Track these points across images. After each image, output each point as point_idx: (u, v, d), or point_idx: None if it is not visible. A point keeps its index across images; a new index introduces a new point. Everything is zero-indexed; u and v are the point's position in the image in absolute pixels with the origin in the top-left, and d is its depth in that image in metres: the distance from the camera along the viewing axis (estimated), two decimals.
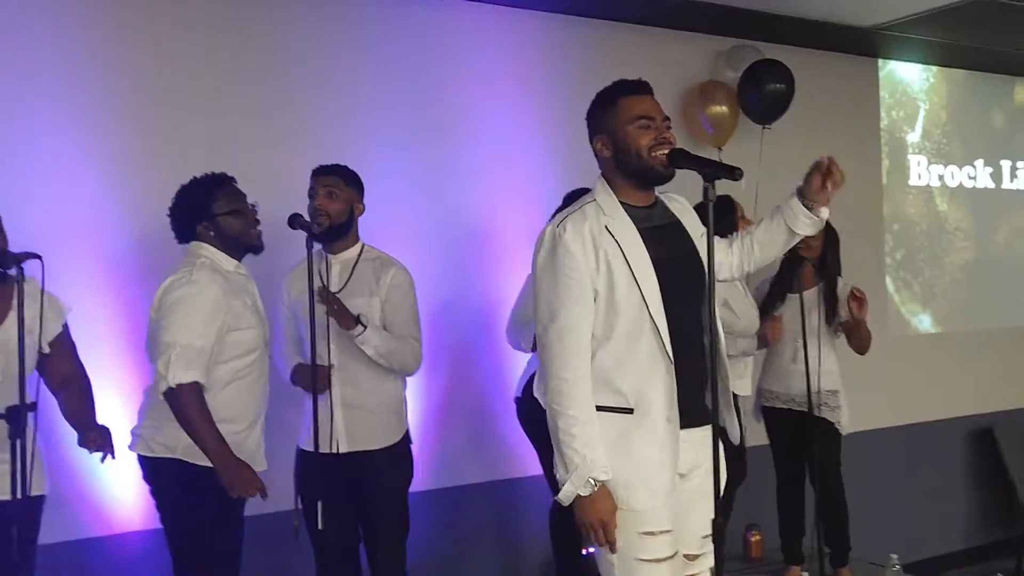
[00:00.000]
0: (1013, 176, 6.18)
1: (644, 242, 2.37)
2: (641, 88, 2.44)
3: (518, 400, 3.89)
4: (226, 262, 3.02)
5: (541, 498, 3.99)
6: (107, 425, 2.89)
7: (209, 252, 3.01)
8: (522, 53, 4.43)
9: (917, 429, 5.58)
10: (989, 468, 5.83)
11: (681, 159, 2.38)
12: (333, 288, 3.22)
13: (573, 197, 3.67)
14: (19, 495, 2.55)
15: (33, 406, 2.66)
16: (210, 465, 2.86)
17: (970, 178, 5.98)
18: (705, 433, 2.37)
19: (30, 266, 2.58)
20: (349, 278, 3.24)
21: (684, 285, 2.39)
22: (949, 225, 5.90)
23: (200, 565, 2.95)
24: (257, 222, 3.09)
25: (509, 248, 4.29)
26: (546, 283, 2.36)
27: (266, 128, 3.81)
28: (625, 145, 2.39)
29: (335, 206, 3.21)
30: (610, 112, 2.42)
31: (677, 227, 2.49)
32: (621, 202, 2.42)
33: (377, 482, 3.23)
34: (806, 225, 2.50)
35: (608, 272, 2.33)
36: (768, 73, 4.63)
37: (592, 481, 2.28)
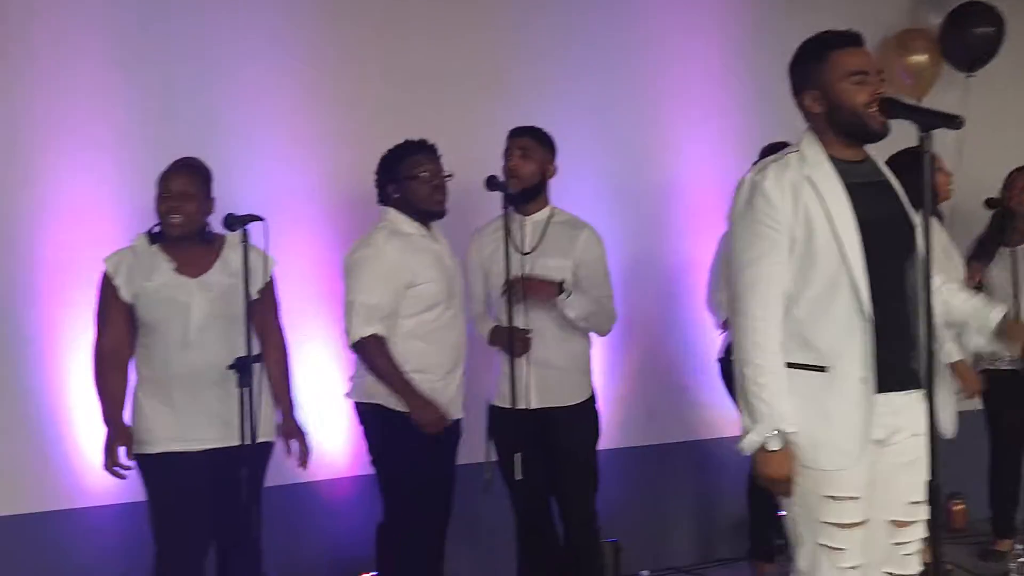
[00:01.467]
0: None
1: (849, 197, 2.28)
2: (854, 40, 2.34)
3: (721, 360, 3.87)
4: (407, 225, 3.16)
5: (738, 459, 3.96)
6: (305, 428, 3.11)
7: (392, 216, 3.17)
8: (713, 8, 4.36)
9: None
10: None
11: (895, 109, 2.27)
12: (524, 249, 3.30)
13: (770, 151, 3.60)
14: (248, 441, 2.78)
15: (258, 357, 2.89)
16: (408, 411, 3.03)
17: None
18: (910, 398, 2.29)
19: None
20: (541, 239, 3.32)
21: (889, 244, 2.30)
22: None
23: (412, 507, 3.11)
24: (442, 189, 3.18)
25: (701, 207, 4.25)
26: (742, 231, 2.33)
27: (460, 91, 3.93)
28: (839, 102, 2.30)
29: (528, 167, 3.29)
30: (820, 66, 2.32)
31: (886, 185, 2.40)
32: (829, 156, 2.33)
33: (565, 438, 3.32)
34: (979, 346, 2.52)
35: (807, 224, 2.25)
36: (975, 16, 4.36)
37: (777, 433, 2.24)
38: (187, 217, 2.92)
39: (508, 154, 3.31)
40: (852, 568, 2.28)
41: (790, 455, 2.27)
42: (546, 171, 3.34)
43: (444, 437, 3.17)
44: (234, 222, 2.83)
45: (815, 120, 2.36)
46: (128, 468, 2.92)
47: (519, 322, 3.22)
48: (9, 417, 3.40)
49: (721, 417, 4.23)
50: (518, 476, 3.08)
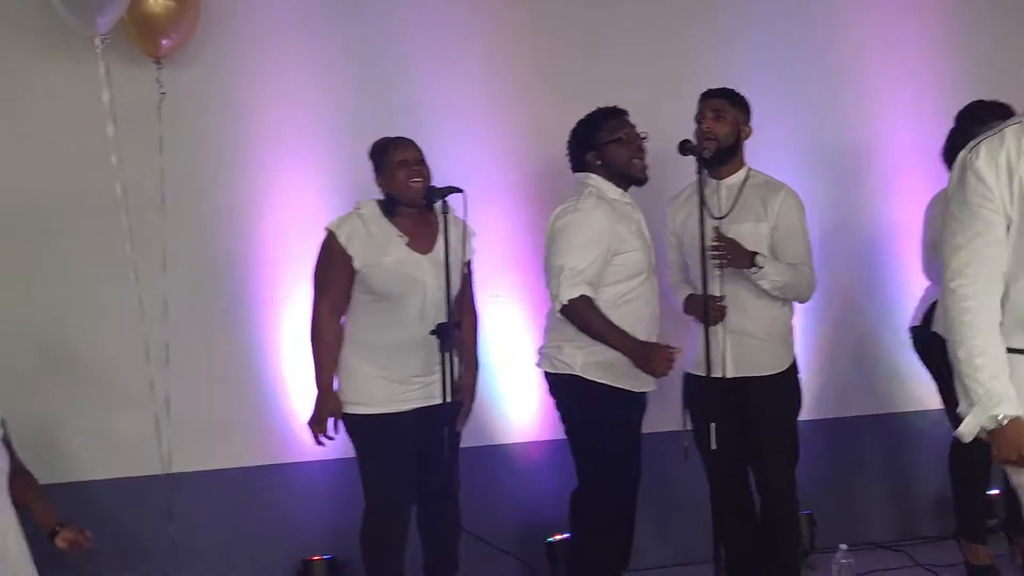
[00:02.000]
0: None
1: None
2: None
3: (914, 329, 3.69)
4: (611, 191, 3.15)
5: (937, 433, 3.79)
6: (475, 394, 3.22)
7: (596, 182, 3.16)
8: None
9: None
10: None
11: None
12: (718, 214, 3.24)
13: (971, 112, 3.38)
14: (448, 400, 2.89)
15: (459, 323, 2.99)
16: (605, 382, 3.06)
17: None
18: None
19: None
20: (735, 204, 3.25)
21: None
22: None
23: (599, 474, 3.15)
24: (643, 152, 3.18)
25: (904, 168, 4.06)
26: (955, 211, 2.22)
27: (646, 58, 3.90)
28: None
29: (722, 128, 3.22)
30: None
31: None
32: None
33: (764, 409, 3.25)
34: None
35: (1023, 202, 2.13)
36: None
37: (998, 417, 2.12)
38: (425, 183, 3.03)
39: (700, 116, 3.26)
40: None
41: (1020, 428, 2.14)
42: (740, 132, 3.27)
43: (633, 408, 3.18)
44: (435, 194, 2.93)
45: None
46: (332, 439, 3.09)
47: (715, 290, 3.17)
48: (232, 378, 3.68)
49: (920, 389, 4.04)
50: (713, 446, 3.05)
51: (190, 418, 3.58)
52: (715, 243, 3.11)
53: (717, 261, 3.12)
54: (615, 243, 3.07)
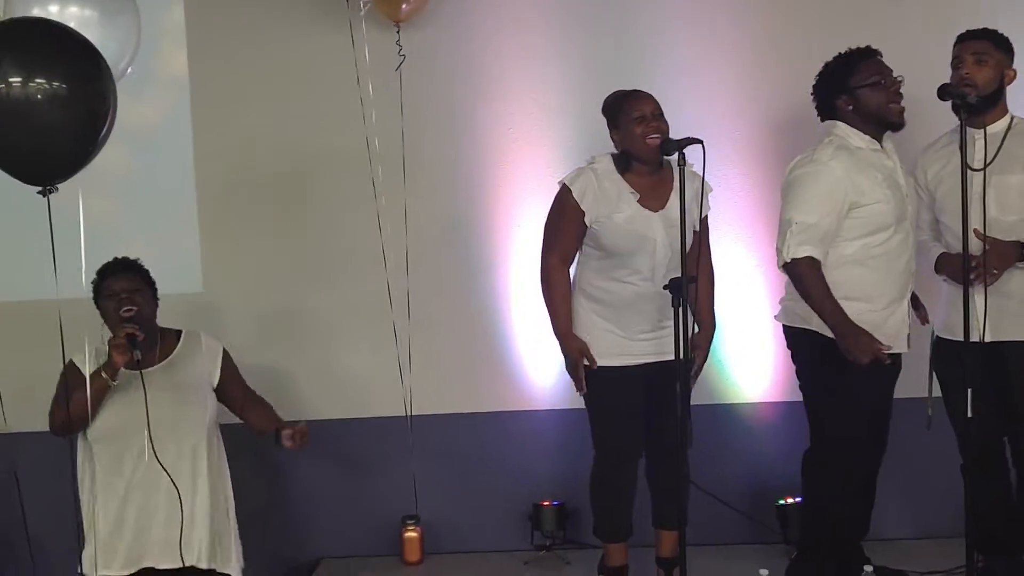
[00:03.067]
0: None
1: None
2: None
3: None
4: (858, 139, 2.98)
5: None
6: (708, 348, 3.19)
7: (841, 130, 3.00)
8: None
9: None
10: None
11: None
12: (977, 165, 2.99)
13: None
14: (681, 356, 2.87)
15: (693, 279, 2.95)
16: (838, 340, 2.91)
17: None
18: None
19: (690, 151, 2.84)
20: (996, 154, 2.98)
21: None
22: None
23: (838, 437, 3.03)
24: (900, 96, 2.99)
25: None
26: None
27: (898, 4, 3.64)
28: None
29: (984, 74, 2.98)
30: None
31: None
32: None
33: (1020, 376, 3.01)
34: None
35: None
36: None
37: None
38: (664, 136, 2.99)
39: (959, 61, 3.01)
40: None
41: None
42: (1004, 76, 3.01)
43: (882, 369, 3.02)
44: (671, 147, 2.88)
45: None
46: (583, 387, 3.11)
47: (973, 249, 2.94)
48: (469, 328, 3.84)
49: None
50: (969, 414, 2.84)
51: (429, 364, 3.76)
52: (976, 259, 2.87)
53: (981, 279, 2.90)
54: (854, 195, 2.91)
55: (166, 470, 2.93)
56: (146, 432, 2.89)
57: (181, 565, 2.99)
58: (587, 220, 3.06)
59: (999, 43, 3.01)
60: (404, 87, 3.66)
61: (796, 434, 3.25)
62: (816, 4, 3.71)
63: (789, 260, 2.93)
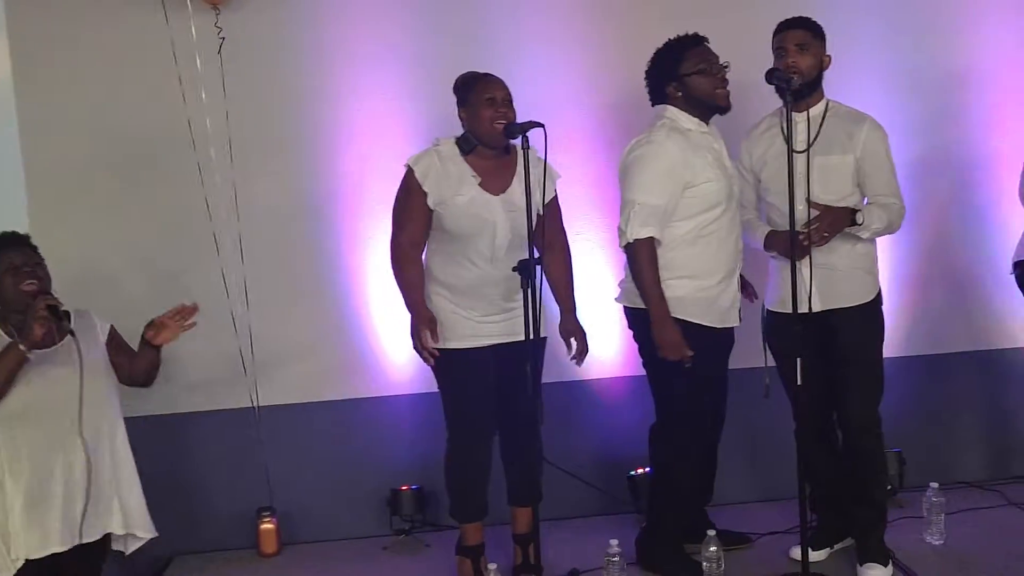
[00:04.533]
0: None
1: None
2: None
3: (1019, 264, 3.53)
4: (687, 121, 3.09)
5: None
6: (584, 327, 3.22)
7: (672, 113, 3.10)
8: None
9: None
10: None
11: None
12: (800, 147, 3.14)
13: None
14: (531, 336, 2.91)
15: (539, 260, 2.99)
16: (685, 318, 3.03)
17: None
18: None
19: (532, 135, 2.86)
20: (816, 136, 3.14)
21: None
22: None
23: (679, 411, 3.16)
24: (725, 82, 3.10)
25: (1003, 97, 3.89)
26: None
27: None
28: None
29: (806, 61, 3.10)
30: None
31: None
32: None
33: (848, 340, 3.19)
34: None
35: None
36: None
37: None
38: (510, 123, 3.00)
39: (783, 51, 3.12)
40: None
41: None
42: (823, 62, 3.16)
43: (718, 343, 3.16)
44: (515, 130, 2.90)
45: None
46: (436, 355, 3.10)
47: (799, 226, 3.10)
48: (321, 316, 3.77)
49: (1017, 326, 3.92)
50: (799, 381, 3.00)
51: (275, 353, 3.70)
52: (806, 225, 3.01)
53: (814, 239, 3.02)
54: (688, 175, 3.02)
55: (86, 445, 2.88)
56: (77, 407, 2.85)
57: (109, 533, 3.00)
58: (429, 202, 3.06)
59: (816, 32, 3.14)
60: (231, 69, 3.58)
61: (645, 407, 3.35)
62: None
63: (632, 240, 3.01)
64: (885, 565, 3.19)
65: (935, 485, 3.44)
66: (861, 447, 3.24)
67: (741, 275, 3.28)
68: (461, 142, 3.10)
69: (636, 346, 3.27)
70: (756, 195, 3.33)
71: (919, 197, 3.75)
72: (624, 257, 3.19)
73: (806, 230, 3.01)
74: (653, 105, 3.17)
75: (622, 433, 3.81)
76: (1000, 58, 3.89)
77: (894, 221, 3.15)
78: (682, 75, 3.07)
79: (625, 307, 3.23)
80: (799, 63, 3.09)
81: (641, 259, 3.01)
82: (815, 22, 3.15)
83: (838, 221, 3.05)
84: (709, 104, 3.09)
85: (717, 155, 3.12)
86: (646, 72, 3.17)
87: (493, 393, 3.18)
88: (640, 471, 3.72)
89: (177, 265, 3.70)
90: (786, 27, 3.14)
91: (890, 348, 3.37)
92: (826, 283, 3.16)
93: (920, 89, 3.87)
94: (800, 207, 3.07)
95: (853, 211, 3.06)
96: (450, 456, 3.26)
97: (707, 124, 3.13)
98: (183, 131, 3.57)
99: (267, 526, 3.69)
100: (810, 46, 3.10)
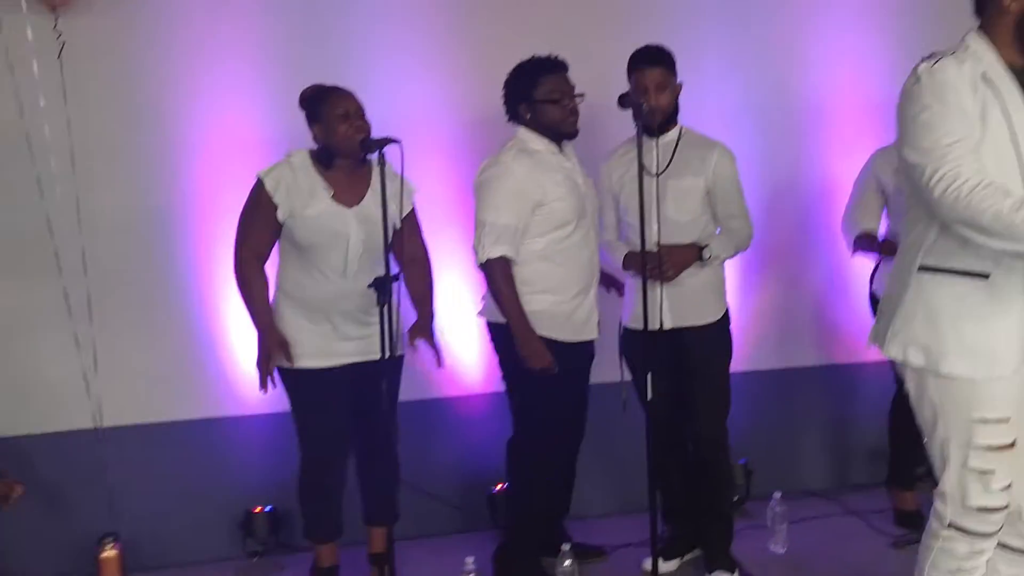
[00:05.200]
0: None
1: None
2: None
3: (873, 296, 3.72)
4: (537, 142, 3.14)
5: (872, 384, 3.88)
6: (439, 336, 3.19)
7: (523, 134, 3.15)
8: None
9: None
10: None
11: None
12: (656, 170, 3.24)
13: None
14: (387, 355, 2.88)
15: (396, 277, 2.96)
16: (542, 334, 3.07)
17: None
18: None
19: (388, 150, 2.83)
20: (671, 160, 3.26)
21: None
22: None
23: (541, 424, 3.18)
24: (575, 113, 3.15)
25: (844, 129, 4.09)
26: (932, 119, 2.14)
27: (588, 7, 3.85)
28: None
29: (665, 98, 3.21)
30: None
31: None
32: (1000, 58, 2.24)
33: (699, 357, 3.30)
34: None
35: (982, 121, 2.15)
36: None
37: None
38: (366, 136, 2.97)
39: (643, 90, 3.18)
40: (1002, 489, 2.27)
41: None
42: (677, 93, 3.27)
43: (577, 358, 3.21)
44: (372, 145, 2.88)
45: (1002, 18, 2.23)
46: (273, 385, 3.04)
47: (652, 245, 3.19)
48: (168, 330, 3.62)
49: (857, 342, 4.13)
50: (649, 396, 3.08)
51: (120, 372, 3.54)
52: (655, 263, 3.13)
53: (657, 276, 3.16)
54: (538, 194, 3.06)
55: None
56: None
57: None
58: (280, 215, 3.00)
59: (671, 66, 3.22)
60: (72, 74, 3.42)
61: (507, 424, 3.36)
62: (513, 7, 3.82)
63: (485, 260, 3.05)
64: (732, 573, 3.30)
65: (779, 495, 3.58)
66: (709, 460, 3.35)
67: (610, 275, 3.38)
68: (317, 155, 3.05)
69: (495, 361, 3.28)
70: (616, 216, 3.41)
71: (767, 219, 3.92)
72: (476, 274, 3.21)
73: (652, 267, 3.14)
74: (509, 120, 3.21)
75: (483, 450, 3.81)
76: (839, 88, 4.10)
77: (741, 244, 3.32)
78: (535, 100, 3.11)
79: (488, 322, 3.25)
80: (660, 102, 3.18)
81: (496, 277, 3.06)
82: (669, 54, 3.22)
83: (685, 260, 3.20)
84: (556, 131, 3.15)
85: (568, 174, 3.17)
86: (504, 87, 3.20)
87: (348, 412, 3.13)
88: (500, 488, 3.73)
89: (13, 283, 3.49)
90: (644, 64, 3.19)
91: (738, 363, 3.49)
92: (677, 302, 3.27)
93: (767, 117, 4.03)
94: (654, 228, 3.18)
95: (700, 248, 3.21)
96: (303, 476, 3.20)
97: (558, 145, 3.18)
98: (20, 140, 3.38)
99: (108, 553, 3.51)
100: (667, 83, 3.20)
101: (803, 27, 4.06)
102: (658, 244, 3.14)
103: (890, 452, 3.79)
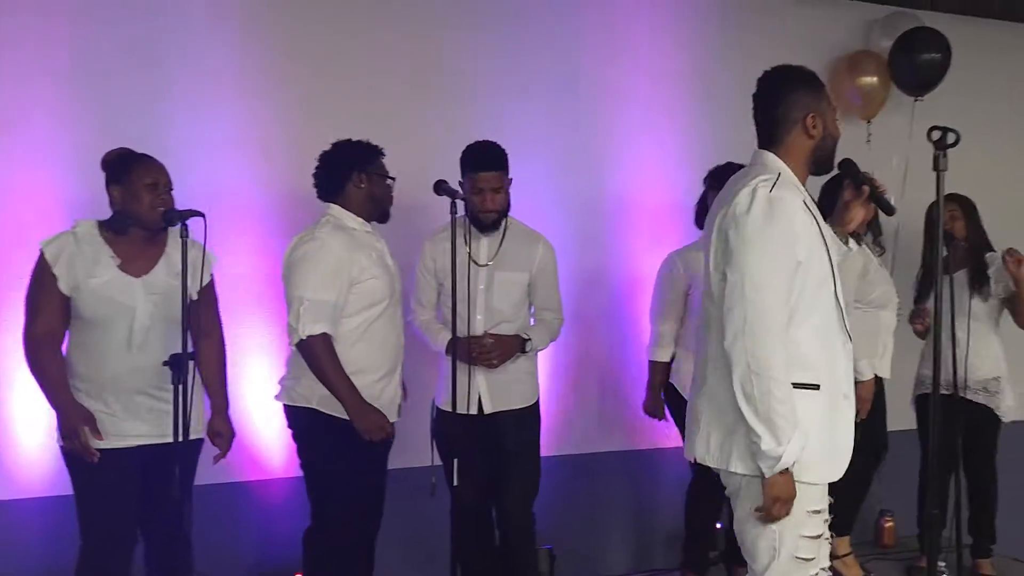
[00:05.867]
0: None
1: None
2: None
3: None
4: (351, 220, 3.13)
5: (672, 469, 4.01)
6: (234, 429, 3.06)
7: (336, 212, 3.12)
8: (667, 28, 4.39)
9: None
10: None
11: (851, 170, 2.50)
12: (483, 261, 3.32)
13: (720, 174, 3.53)
14: (181, 437, 2.72)
15: (192, 355, 2.81)
16: (345, 416, 3.00)
17: None
18: None
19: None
20: (498, 251, 3.33)
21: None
22: None
23: (340, 512, 3.08)
24: (391, 191, 3.19)
25: (648, 222, 4.30)
26: (760, 247, 2.26)
27: (406, 94, 3.90)
28: (830, 131, 2.42)
29: (500, 199, 3.31)
30: (820, 93, 2.42)
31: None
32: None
33: (515, 441, 3.37)
34: None
35: (807, 245, 2.30)
36: (923, 41, 4.43)
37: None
38: (169, 208, 2.84)
39: (480, 194, 3.26)
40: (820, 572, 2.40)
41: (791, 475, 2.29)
42: (508, 190, 3.36)
43: (379, 441, 3.15)
44: (174, 217, 2.77)
45: (801, 145, 2.40)
46: (96, 453, 2.81)
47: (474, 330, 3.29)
48: None
49: (660, 429, 4.27)
50: (454, 483, 3.07)
51: None
52: (482, 350, 3.24)
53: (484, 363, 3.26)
54: (355, 272, 3.04)
55: None
56: None
57: None
58: (62, 287, 2.81)
59: (505, 166, 3.32)
60: None
61: (302, 510, 3.23)
62: (327, 90, 3.81)
63: (304, 337, 2.95)
64: None
65: None
66: (515, 545, 3.37)
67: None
68: (109, 222, 2.90)
69: (295, 442, 3.16)
70: (436, 297, 3.42)
71: (578, 308, 4.04)
72: (287, 354, 3.12)
73: (480, 353, 3.24)
74: (320, 198, 3.16)
75: (282, 537, 3.64)
76: (643, 187, 4.32)
77: (555, 335, 3.48)
78: (370, 175, 3.11)
79: (286, 405, 3.14)
80: (495, 204, 3.27)
81: (319, 354, 2.96)
82: (503, 154, 3.30)
83: (509, 349, 3.30)
84: (379, 209, 3.16)
85: (380, 253, 3.17)
86: (323, 162, 3.15)
87: (135, 498, 2.92)
88: None
89: None
90: (481, 167, 3.26)
91: (545, 448, 3.54)
92: (496, 386, 3.33)
93: (580, 212, 4.20)
94: (480, 317, 3.27)
95: (523, 340, 3.32)
96: (83, 565, 2.93)
97: (368, 224, 3.18)
98: None
99: None
100: (502, 184, 3.30)
101: (617, 125, 4.28)
102: (487, 333, 3.24)
103: (685, 536, 3.92)
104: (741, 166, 3.48)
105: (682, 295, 3.77)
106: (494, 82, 4.05)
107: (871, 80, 4.52)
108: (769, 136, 2.43)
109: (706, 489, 3.77)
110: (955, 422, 3.87)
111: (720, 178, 3.55)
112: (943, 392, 3.88)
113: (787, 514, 2.29)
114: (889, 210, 2.52)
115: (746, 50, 4.31)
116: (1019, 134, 5.13)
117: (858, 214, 2.52)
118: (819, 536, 2.38)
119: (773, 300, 2.24)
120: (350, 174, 3.12)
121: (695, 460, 2.44)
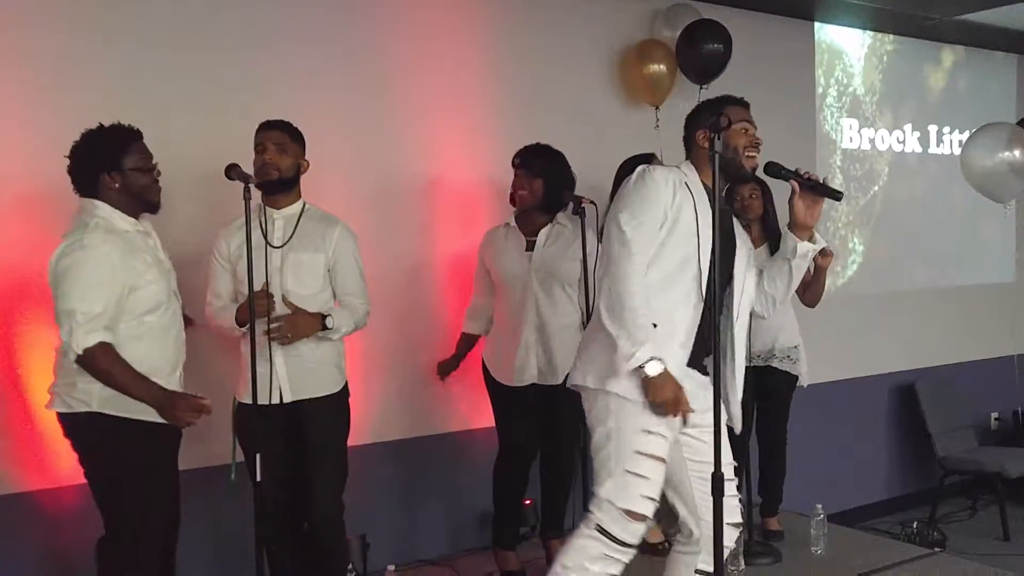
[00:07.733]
0: (939, 141, 6.36)
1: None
2: (742, 102, 2.92)
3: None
4: (121, 221, 2.94)
5: (485, 451, 4.07)
6: None
7: (104, 212, 2.91)
8: (460, 9, 4.41)
9: (844, 385, 5.76)
10: (910, 422, 6.05)
11: (774, 169, 2.85)
12: (277, 243, 3.24)
13: (629, 164, 3.83)
14: None
15: None
16: (129, 416, 2.86)
17: (899, 142, 6.15)
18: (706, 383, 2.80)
19: None
20: (293, 233, 3.27)
21: (723, 252, 2.76)
22: (877, 187, 6.06)
23: (131, 519, 2.91)
24: (157, 182, 3.01)
25: (460, 206, 4.33)
26: (631, 199, 2.75)
27: (198, 83, 3.74)
28: (726, 142, 2.74)
29: (285, 161, 3.27)
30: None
31: (729, 213, 3.00)
32: (701, 180, 2.85)
33: (318, 430, 3.31)
34: (794, 251, 2.87)
35: (676, 212, 2.74)
36: (706, 33, 4.68)
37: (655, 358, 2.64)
38: None
39: (262, 148, 3.25)
40: (649, 499, 2.69)
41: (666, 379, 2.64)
42: (300, 165, 3.33)
43: (172, 438, 3.01)
44: None
45: (700, 152, 2.87)
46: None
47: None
48: None
49: (471, 410, 4.33)
50: (258, 478, 2.99)
51: None
52: (276, 322, 3.17)
53: (277, 337, 3.19)
54: (132, 278, 2.87)
55: None
56: None
57: None
58: None
59: (295, 135, 3.31)
60: None
61: (92, 519, 3.02)
62: (109, 69, 3.58)
63: (81, 352, 2.78)
64: None
65: (392, 567, 3.62)
66: (324, 536, 3.32)
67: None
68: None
69: (75, 452, 2.96)
70: (232, 285, 3.33)
71: (388, 296, 4.00)
72: (54, 360, 2.93)
73: (275, 328, 3.18)
74: (78, 194, 2.95)
75: (73, 548, 3.43)
76: (447, 175, 4.34)
77: (360, 322, 3.41)
78: (125, 169, 2.92)
79: (61, 414, 2.93)
80: (277, 161, 3.25)
81: (103, 364, 2.79)
82: (293, 126, 3.32)
83: (306, 326, 3.23)
84: (146, 201, 2.98)
85: (153, 252, 3.02)
86: (75, 156, 2.93)
87: None
88: None
89: None
90: (267, 127, 3.30)
91: (360, 436, 3.51)
92: (296, 373, 3.27)
93: (388, 197, 4.16)
94: (277, 300, 3.21)
95: (324, 316, 3.24)
96: None
97: (137, 219, 3.00)
98: None
99: None
100: (288, 147, 3.27)
101: (428, 115, 4.26)
102: (285, 301, 3.20)
103: (494, 514, 3.99)
104: (548, 147, 3.77)
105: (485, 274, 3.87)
106: (295, 75, 3.93)
107: (659, 68, 4.73)
108: (685, 148, 2.97)
109: (510, 466, 3.87)
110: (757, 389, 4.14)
111: (528, 158, 3.68)
112: (756, 364, 4.17)
113: (675, 415, 2.66)
114: (834, 195, 2.80)
115: (543, 41, 4.43)
116: (794, 122, 5.52)
117: (799, 208, 2.83)
118: (655, 457, 2.68)
119: (635, 230, 2.70)
120: (99, 176, 2.91)
121: (572, 386, 2.87)
